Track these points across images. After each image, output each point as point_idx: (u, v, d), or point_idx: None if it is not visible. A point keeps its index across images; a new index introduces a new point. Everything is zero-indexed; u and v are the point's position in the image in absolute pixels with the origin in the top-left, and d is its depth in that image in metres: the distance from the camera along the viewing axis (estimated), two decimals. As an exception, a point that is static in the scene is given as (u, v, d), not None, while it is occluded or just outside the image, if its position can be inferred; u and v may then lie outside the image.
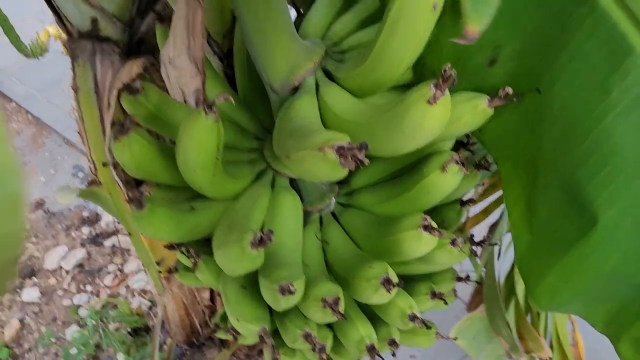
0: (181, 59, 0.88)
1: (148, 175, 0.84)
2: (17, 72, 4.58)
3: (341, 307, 0.75)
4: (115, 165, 1.06)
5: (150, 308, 2.59)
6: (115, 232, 3.09)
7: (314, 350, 0.84)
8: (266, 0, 0.77)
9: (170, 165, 0.85)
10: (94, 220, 3.22)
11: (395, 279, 0.72)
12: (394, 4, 0.63)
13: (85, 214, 3.28)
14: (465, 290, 1.91)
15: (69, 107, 4.21)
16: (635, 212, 0.61)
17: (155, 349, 1.81)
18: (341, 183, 0.98)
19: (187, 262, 0.98)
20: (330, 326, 0.91)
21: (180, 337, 2.06)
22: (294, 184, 0.95)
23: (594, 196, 0.62)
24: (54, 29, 3.26)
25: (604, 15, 0.62)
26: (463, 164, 0.77)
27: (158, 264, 1.47)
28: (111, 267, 2.91)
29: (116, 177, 1.16)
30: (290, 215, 0.89)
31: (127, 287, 2.78)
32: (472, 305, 1.81)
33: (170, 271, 1.06)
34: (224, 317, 1.02)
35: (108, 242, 3.05)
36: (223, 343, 2.04)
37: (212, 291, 2.00)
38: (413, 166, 0.87)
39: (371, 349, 0.83)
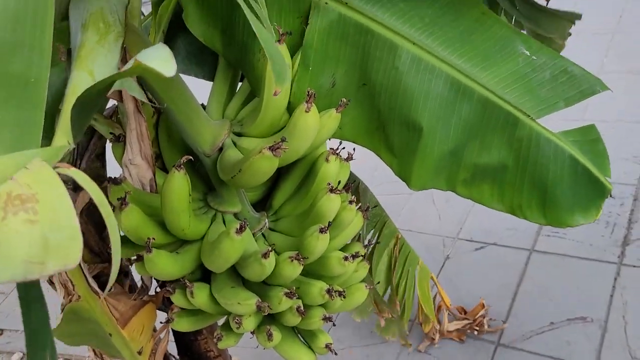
0: (137, 159, 1.24)
1: (144, 236, 1.15)
2: None
3: (302, 259, 1.11)
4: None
5: None
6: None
7: (297, 310, 1.18)
8: (188, 102, 1.17)
9: (157, 228, 1.18)
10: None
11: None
12: (268, 71, 1.08)
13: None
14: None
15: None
16: (437, 115, 1.14)
17: None
18: (267, 209, 1.36)
19: (181, 302, 1.27)
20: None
21: None
22: (238, 218, 1.31)
23: (415, 117, 1.14)
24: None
25: (379, 34, 1.13)
26: (337, 153, 1.21)
27: (139, 353, 1.67)
28: None
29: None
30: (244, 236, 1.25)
31: None
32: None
33: (168, 321, 1.33)
34: (224, 326, 1.31)
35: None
36: None
37: None
38: (308, 175, 1.29)
39: (329, 292, 1.19)
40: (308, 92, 1.03)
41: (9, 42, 0.73)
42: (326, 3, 1.12)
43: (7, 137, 0.70)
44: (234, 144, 1.21)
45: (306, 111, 1.04)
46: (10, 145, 0.73)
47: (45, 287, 1.74)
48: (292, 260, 1.10)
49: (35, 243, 0.48)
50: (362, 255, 1.30)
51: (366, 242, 1.90)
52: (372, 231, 1.91)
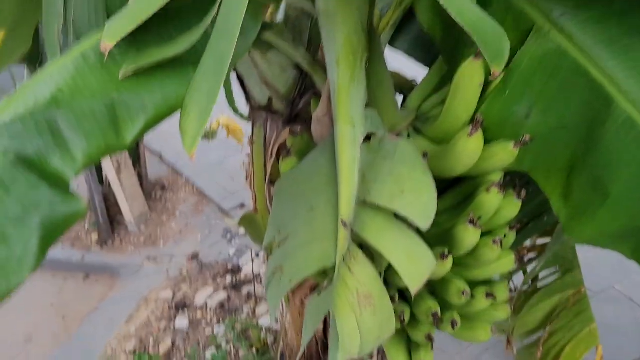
0: (325, 118, 1.33)
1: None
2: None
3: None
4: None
5: (274, 342, 2.97)
6: (251, 281, 3.57)
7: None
8: (383, 83, 1.19)
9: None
10: (236, 271, 3.74)
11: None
12: (454, 81, 1.03)
13: (230, 266, 3.82)
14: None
15: (226, 183, 4.93)
16: (633, 189, 0.97)
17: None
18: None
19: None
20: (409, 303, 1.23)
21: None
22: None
23: (605, 181, 0.98)
24: (224, 119, 3.98)
25: (596, 81, 0.97)
26: (502, 188, 1.10)
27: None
28: (245, 309, 3.36)
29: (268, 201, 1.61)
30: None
31: (257, 324, 3.20)
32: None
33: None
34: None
35: (245, 289, 3.53)
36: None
37: (325, 323, 2.32)
38: (468, 198, 1.21)
39: (435, 316, 1.14)
40: (476, 118, 0.96)
41: (221, 29, 0.88)
42: (549, 31, 0.99)
43: (199, 101, 0.86)
44: (409, 137, 1.20)
45: (469, 135, 0.97)
46: (198, 112, 0.88)
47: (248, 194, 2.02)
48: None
49: None
50: (494, 297, 1.20)
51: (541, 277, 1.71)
52: (552, 269, 1.72)
